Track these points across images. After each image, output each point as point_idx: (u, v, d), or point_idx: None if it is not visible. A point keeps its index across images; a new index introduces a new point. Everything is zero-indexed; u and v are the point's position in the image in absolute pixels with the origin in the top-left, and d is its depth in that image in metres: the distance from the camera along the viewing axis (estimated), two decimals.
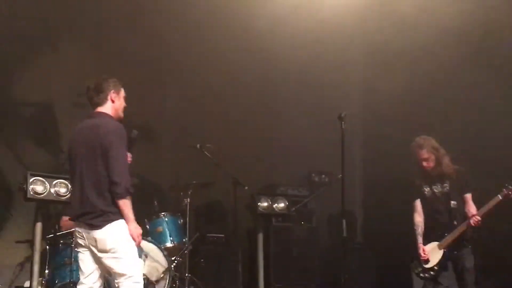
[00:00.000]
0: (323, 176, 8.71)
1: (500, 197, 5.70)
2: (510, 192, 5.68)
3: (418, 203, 6.14)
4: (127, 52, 7.85)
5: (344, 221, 6.06)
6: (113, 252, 4.68)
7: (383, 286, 8.23)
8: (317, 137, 7.90)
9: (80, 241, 4.84)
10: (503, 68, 7.39)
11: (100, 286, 4.88)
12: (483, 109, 7.59)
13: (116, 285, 4.85)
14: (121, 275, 4.67)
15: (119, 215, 4.70)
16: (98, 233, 4.68)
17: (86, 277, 4.82)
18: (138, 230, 4.76)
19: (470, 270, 5.88)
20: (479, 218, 5.75)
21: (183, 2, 7.66)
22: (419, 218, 6.12)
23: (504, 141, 7.30)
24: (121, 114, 4.94)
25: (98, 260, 4.80)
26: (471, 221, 5.77)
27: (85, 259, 4.84)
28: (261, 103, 8.54)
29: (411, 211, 6.16)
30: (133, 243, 4.82)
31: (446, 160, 5.98)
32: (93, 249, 4.75)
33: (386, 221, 7.54)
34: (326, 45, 8.35)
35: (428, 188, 6.09)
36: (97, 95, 4.83)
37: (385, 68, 8.47)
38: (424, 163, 5.97)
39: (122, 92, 4.94)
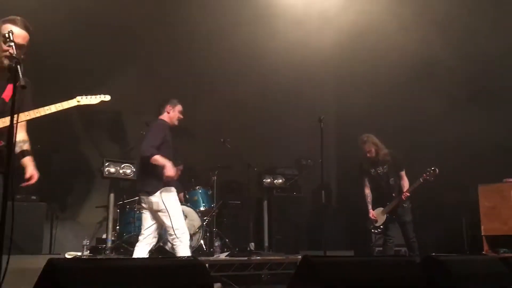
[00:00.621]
0: (309, 160, 8.75)
1: (421, 180, 5.82)
2: (427, 177, 5.77)
3: (366, 180, 6.21)
4: (174, 75, 7.83)
5: (323, 192, 6.21)
6: (164, 212, 4.88)
7: (351, 238, 8.25)
8: (304, 133, 7.87)
9: (143, 205, 5.07)
10: (436, 85, 7.42)
11: (154, 237, 5.09)
12: (419, 113, 7.65)
13: (168, 236, 5.08)
14: (171, 227, 4.88)
15: (166, 184, 4.90)
16: (152, 198, 4.90)
17: (145, 229, 5.06)
18: (171, 169, 4.82)
19: (409, 222, 5.98)
20: (408, 194, 5.87)
21: (213, 40, 7.66)
22: (367, 191, 6.20)
23: (434, 136, 7.40)
24: (175, 122, 5.19)
25: (155, 218, 5.01)
26: (402, 196, 5.88)
27: (146, 217, 5.08)
28: (266, 110, 8.49)
29: (362, 186, 6.26)
30: (179, 204, 5.02)
31: (383, 151, 6.02)
32: (151, 209, 4.98)
33: (353, 192, 7.65)
34: (311, 69, 8.34)
35: (373, 170, 6.12)
36: (160, 108, 5.17)
37: (352, 83, 8.50)
38: (368, 154, 6.03)
39: (178, 108, 5.19)
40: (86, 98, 3.69)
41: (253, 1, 7.47)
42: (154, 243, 5.15)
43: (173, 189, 5.00)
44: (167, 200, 4.90)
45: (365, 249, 7.36)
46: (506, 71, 6.92)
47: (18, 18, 3.35)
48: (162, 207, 4.88)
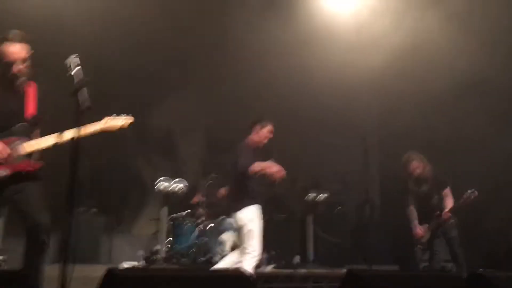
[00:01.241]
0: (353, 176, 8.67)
1: (461, 202, 5.65)
2: (467, 200, 5.59)
3: (410, 198, 6.07)
4: (223, 94, 7.93)
5: (366, 207, 6.12)
6: (243, 228, 4.89)
7: (396, 253, 7.91)
8: (348, 150, 7.77)
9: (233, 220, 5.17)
10: (483, 102, 7.09)
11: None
12: (464, 129, 7.33)
13: (241, 250, 4.96)
14: (245, 243, 4.87)
15: (252, 201, 4.94)
16: (237, 213, 4.95)
17: None
18: (271, 167, 4.85)
19: (455, 237, 5.79)
20: (449, 214, 5.71)
21: (262, 61, 7.59)
22: (412, 208, 6.06)
23: (479, 152, 7.17)
24: (264, 141, 5.19)
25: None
26: (444, 216, 5.74)
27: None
28: (312, 129, 8.39)
29: (406, 204, 6.12)
30: (259, 224, 4.97)
31: (428, 167, 5.91)
32: (236, 223, 5.05)
33: (396, 207, 7.48)
34: (357, 87, 8.19)
35: (417, 189, 5.99)
36: (250, 128, 5.23)
37: (396, 101, 8.22)
38: (417, 170, 5.90)
39: (267, 128, 5.21)
40: (113, 119, 3.62)
41: (305, 25, 7.38)
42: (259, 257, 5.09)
43: (257, 207, 5.02)
44: (250, 218, 4.93)
45: (410, 264, 7.14)
46: None
47: (15, 33, 3.35)
48: (243, 223, 4.91)
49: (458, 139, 7.53)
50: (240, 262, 4.87)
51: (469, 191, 5.60)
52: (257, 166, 4.83)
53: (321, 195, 8.05)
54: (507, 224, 7.10)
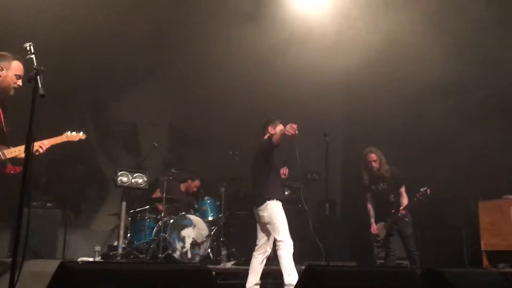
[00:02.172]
0: (314, 174, 8.64)
1: (415, 199, 5.79)
2: (420, 197, 5.73)
3: (368, 196, 6.20)
4: (186, 89, 7.84)
5: (327, 205, 6.18)
6: (270, 224, 4.96)
7: (354, 250, 8.16)
8: (310, 147, 7.80)
9: (256, 216, 5.15)
10: (447, 104, 7.15)
11: (269, 247, 5.14)
12: (426, 129, 7.55)
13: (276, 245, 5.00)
14: (277, 239, 4.95)
15: (270, 197, 4.97)
16: (259, 211, 5.03)
17: (258, 240, 5.16)
18: (287, 128, 4.79)
19: (411, 235, 5.95)
20: (403, 212, 5.85)
21: (227, 60, 7.51)
22: (370, 206, 6.18)
23: (437, 152, 7.35)
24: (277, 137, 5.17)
25: (263, 230, 5.10)
26: (399, 214, 5.86)
27: (258, 229, 5.17)
28: None
29: (365, 201, 6.23)
30: (284, 217, 4.99)
31: (384, 167, 6.01)
32: (259, 221, 5.09)
33: (357, 205, 7.60)
34: (321, 85, 8.10)
35: (374, 186, 6.11)
36: (263, 129, 5.29)
37: (359, 99, 8.45)
38: (374, 164, 6.00)
39: (279, 127, 5.22)
40: (71, 134, 4.27)
41: (268, 29, 7.33)
42: (268, 253, 5.13)
43: (278, 202, 5.02)
44: (273, 213, 4.93)
45: (368, 261, 7.29)
46: None
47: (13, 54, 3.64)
48: (267, 220, 4.93)
49: (421, 139, 7.66)
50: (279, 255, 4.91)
51: (421, 189, 5.75)
52: (277, 134, 4.90)
53: None
54: (460, 222, 7.30)
